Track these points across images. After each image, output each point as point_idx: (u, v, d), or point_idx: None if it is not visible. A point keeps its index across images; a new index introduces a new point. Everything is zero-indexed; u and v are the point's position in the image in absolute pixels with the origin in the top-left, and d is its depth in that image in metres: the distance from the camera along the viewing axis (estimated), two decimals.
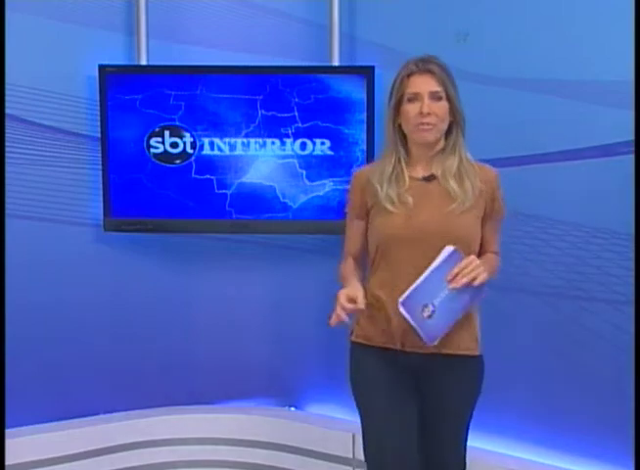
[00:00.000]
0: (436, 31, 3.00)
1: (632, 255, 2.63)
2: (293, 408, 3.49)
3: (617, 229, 2.74)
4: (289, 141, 3.20)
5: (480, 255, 2.27)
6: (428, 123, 2.18)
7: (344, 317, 2.12)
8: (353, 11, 3.23)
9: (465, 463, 2.32)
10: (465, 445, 2.32)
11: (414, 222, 2.20)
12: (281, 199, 3.23)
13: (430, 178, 2.25)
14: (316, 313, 3.36)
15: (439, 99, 2.19)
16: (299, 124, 3.19)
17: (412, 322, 2.11)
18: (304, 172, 3.21)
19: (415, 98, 2.19)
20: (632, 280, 2.65)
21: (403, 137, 2.27)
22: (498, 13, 2.93)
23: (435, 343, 2.15)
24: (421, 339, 2.14)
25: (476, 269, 2.10)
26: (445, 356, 2.22)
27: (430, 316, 2.11)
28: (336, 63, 3.20)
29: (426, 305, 2.10)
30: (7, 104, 3.09)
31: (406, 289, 2.13)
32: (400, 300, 2.10)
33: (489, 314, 2.92)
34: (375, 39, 3.16)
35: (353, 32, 3.23)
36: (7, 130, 3.10)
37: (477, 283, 2.11)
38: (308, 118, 3.19)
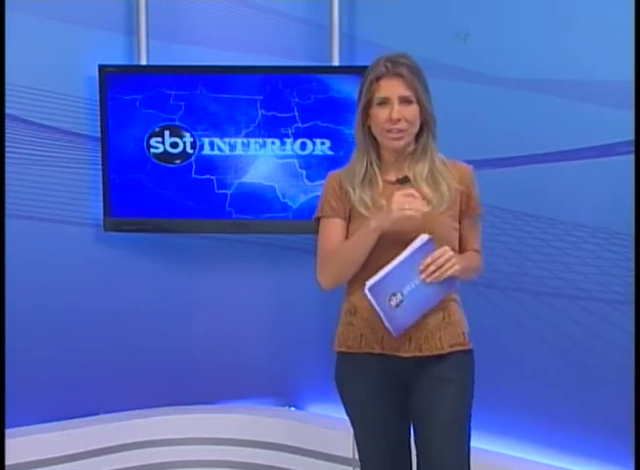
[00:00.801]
0: (436, 31, 3.00)
1: (632, 255, 2.62)
2: (293, 408, 3.49)
3: (616, 229, 2.73)
4: (289, 141, 3.20)
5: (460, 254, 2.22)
6: (398, 130, 2.13)
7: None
8: (353, 11, 3.23)
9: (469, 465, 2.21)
10: (466, 447, 2.21)
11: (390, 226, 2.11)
12: (281, 199, 3.23)
13: (403, 181, 2.18)
14: (316, 313, 3.37)
15: (409, 103, 2.13)
16: (299, 124, 3.19)
17: (378, 309, 2.06)
18: (304, 172, 3.21)
19: (384, 102, 2.13)
20: (632, 280, 2.65)
21: (374, 140, 2.20)
22: (498, 13, 2.93)
23: (400, 334, 2.10)
24: (386, 328, 2.09)
25: (449, 261, 2.05)
26: (429, 357, 2.15)
27: (397, 305, 2.05)
28: (336, 63, 3.20)
29: (394, 294, 2.05)
30: (7, 104, 3.09)
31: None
32: (368, 284, 2.05)
33: (489, 314, 2.94)
34: (375, 39, 3.16)
35: (353, 32, 3.23)
36: (7, 130, 3.10)
37: (447, 274, 2.05)
38: (308, 118, 3.19)
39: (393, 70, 2.13)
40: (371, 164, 2.20)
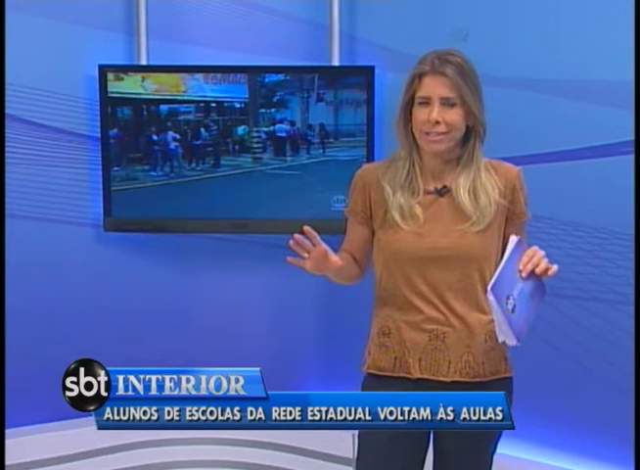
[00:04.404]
0: (436, 31, 3.00)
1: (632, 255, 2.63)
2: None
3: (616, 229, 2.74)
4: (288, 141, 3.20)
5: None
6: (437, 133, 1.96)
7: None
8: (353, 11, 3.23)
9: None
10: None
11: (425, 242, 1.99)
12: (281, 199, 3.23)
13: (442, 191, 2.03)
14: (316, 313, 3.37)
15: (452, 105, 1.96)
16: (299, 124, 3.19)
17: (500, 315, 1.83)
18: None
19: (425, 102, 1.96)
20: (632, 280, 2.65)
21: (416, 142, 2.03)
22: (498, 12, 2.93)
23: (519, 343, 1.88)
24: (499, 338, 1.88)
25: (543, 259, 1.90)
26: (469, 384, 1.99)
27: (513, 310, 1.85)
28: (336, 63, 3.20)
29: (508, 297, 1.85)
30: (7, 104, 3.09)
31: (418, 314, 2.00)
32: (489, 286, 1.81)
33: None
34: (375, 39, 3.16)
35: (353, 32, 3.23)
36: (7, 130, 3.10)
37: (550, 273, 1.90)
38: (308, 118, 3.18)
39: (439, 67, 1.97)
40: (413, 166, 2.03)
